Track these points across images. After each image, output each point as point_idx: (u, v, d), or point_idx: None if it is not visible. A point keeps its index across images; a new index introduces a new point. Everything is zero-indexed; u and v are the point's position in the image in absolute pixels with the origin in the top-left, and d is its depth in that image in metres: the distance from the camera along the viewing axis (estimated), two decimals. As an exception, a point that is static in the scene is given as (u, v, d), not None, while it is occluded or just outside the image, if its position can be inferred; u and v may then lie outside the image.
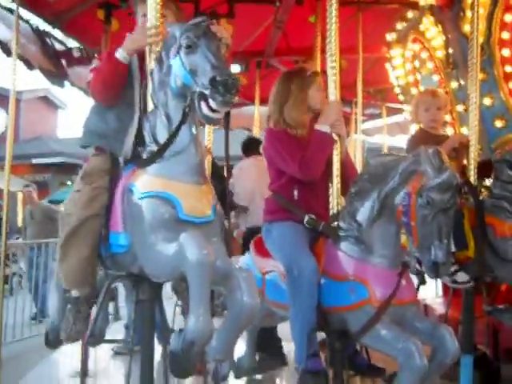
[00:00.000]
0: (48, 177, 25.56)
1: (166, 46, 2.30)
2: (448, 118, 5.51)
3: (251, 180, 5.56)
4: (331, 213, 2.98)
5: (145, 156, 2.40)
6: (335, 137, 2.99)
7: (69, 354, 4.87)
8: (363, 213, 2.65)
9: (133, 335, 2.68)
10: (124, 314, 6.20)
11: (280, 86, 3.17)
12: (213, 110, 2.08)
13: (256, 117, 8.08)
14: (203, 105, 2.09)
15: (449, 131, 5.62)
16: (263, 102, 7.50)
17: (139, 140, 2.49)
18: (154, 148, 2.35)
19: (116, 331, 4.94)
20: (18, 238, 13.37)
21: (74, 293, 2.51)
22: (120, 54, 2.53)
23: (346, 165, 3.06)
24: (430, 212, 2.39)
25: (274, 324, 3.46)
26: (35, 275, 7.66)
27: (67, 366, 4.94)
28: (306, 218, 2.92)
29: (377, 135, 11.19)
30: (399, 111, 8.47)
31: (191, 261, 2.05)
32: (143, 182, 2.34)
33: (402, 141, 11.11)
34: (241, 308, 2.22)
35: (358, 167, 7.29)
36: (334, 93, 3.08)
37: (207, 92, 2.05)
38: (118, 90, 2.56)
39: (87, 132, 2.68)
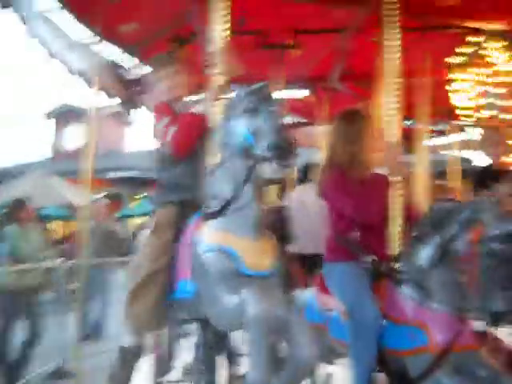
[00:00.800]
0: (121, 190, 26.55)
1: (232, 107, 2.45)
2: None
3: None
4: (391, 254, 3.01)
5: (210, 210, 2.56)
6: (396, 178, 3.03)
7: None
8: (424, 257, 2.68)
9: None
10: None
11: (334, 129, 3.22)
12: (273, 172, 2.21)
13: (323, 135, 8.15)
14: (264, 166, 2.23)
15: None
16: (330, 121, 7.60)
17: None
18: (219, 203, 2.50)
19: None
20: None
21: (127, 341, 2.71)
22: (199, 109, 2.81)
23: (409, 207, 3.09)
24: (491, 262, 2.39)
25: (332, 359, 3.50)
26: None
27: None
28: (368, 259, 2.96)
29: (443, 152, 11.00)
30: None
31: (251, 315, 2.18)
32: (207, 236, 2.50)
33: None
34: (299, 360, 2.32)
35: (421, 182, 7.26)
36: (394, 134, 3.14)
37: (267, 155, 2.19)
38: (196, 142, 2.80)
39: (162, 189, 2.88)
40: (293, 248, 6.43)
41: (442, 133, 10.29)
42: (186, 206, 2.77)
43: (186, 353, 4.83)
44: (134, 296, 2.67)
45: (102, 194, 10.48)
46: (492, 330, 3.24)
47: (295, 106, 8.40)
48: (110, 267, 8.02)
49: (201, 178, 2.74)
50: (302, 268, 5.50)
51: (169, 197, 2.84)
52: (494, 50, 5.30)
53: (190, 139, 2.75)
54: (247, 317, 2.21)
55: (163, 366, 2.91)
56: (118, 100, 6.76)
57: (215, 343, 2.66)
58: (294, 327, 2.37)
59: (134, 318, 2.68)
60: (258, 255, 2.44)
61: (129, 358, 2.74)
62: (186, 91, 3.02)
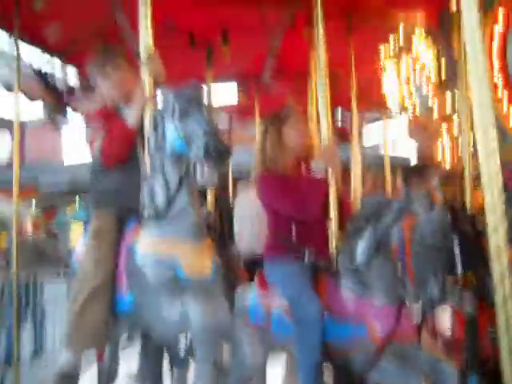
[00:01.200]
0: (54, 200, 25.72)
1: (160, 112, 2.40)
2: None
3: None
4: (331, 250, 3.05)
5: (145, 217, 2.50)
6: (331, 175, 3.07)
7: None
8: (360, 251, 2.74)
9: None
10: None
11: (261, 133, 3.27)
12: (207, 175, 2.17)
13: (257, 134, 8.20)
14: (198, 170, 2.18)
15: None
16: (263, 118, 7.66)
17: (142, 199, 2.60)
18: (154, 210, 2.44)
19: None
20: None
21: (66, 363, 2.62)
22: (128, 115, 2.74)
23: (343, 202, 3.14)
24: (423, 249, 2.47)
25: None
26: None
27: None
28: (307, 255, 2.99)
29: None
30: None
31: (194, 324, 2.15)
32: (144, 244, 2.45)
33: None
34: (244, 365, 2.31)
35: (358, 177, 7.45)
36: (326, 128, 3.17)
37: (201, 159, 2.14)
38: (128, 151, 2.73)
39: (97, 196, 2.80)
40: (236, 249, 6.46)
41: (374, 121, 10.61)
42: (122, 214, 2.69)
43: (130, 362, 4.77)
44: (79, 313, 2.57)
45: (33, 205, 10.17)
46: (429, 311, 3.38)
47: (227, 106, 8.41)
48: (43, 280, 7.73)
49: (135, 185, 2.66)
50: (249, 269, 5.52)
51: (104, 205, 2.76)
52: (419, 44, 5.46)
53: (119, 149, 2.67)
54: (192, 325, 2.17)
55: (106, 376, 2.82)
56: (41, 104, 6.55)
57: (159, 353, 2.60)
58: (237, 331, 2.35)
59: (79, 336, 2.58)
60: (197, 260, 2.41)
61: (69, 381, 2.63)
62: (128, 92, 2.90)
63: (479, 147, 1.89)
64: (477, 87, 1.89)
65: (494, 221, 1.87)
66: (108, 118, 2.78)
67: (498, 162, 1.87)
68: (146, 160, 2.58)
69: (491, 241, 1.86)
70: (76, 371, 2.70)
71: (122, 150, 2.68)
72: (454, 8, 4.62)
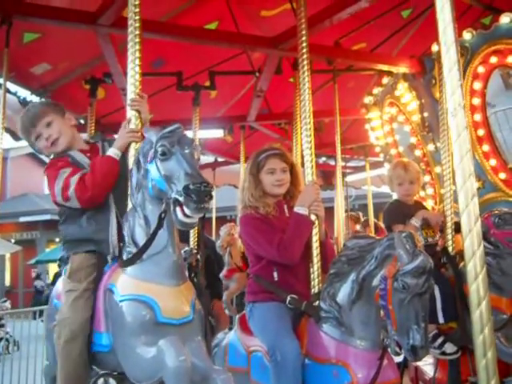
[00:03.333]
0: (36, 234, 25.46)
1: (143, 151, 2.39)
2: (427, 178, 5.68)
3: None
4: (312, 292, 3.02)
5: (124, 256, 2.47)
6: (313, 217, 3.07)
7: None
8: (343, 295, 2.71)
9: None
10: None
11: (244, 173, 3.28)
12: (187, 216, 2.15)
13: (242, 174, 8.26)
14: (178, 211, 2.15)
15: (429, 190, 5.79)
16: (248, 160, 7.72)
17: (120, 237, 2.58)
18: (133, 249, 2.42)
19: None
20: (5, 301, 13.23)
21: None
22: (112, 151, 2.69)
23: (325, 245, 3.13)
24: (406, 296, 2.44)
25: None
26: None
27: None
28: (288, 299, 2.94)
29: (363, 187, 11.44)
30: (382, 164, 8.68)
31: (169, 368, 2.10)
32: (122, 284, 2.41)
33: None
34: None
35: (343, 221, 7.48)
36: (310, 172, 3.19)
37: (181, 199, 2.12)
38: (111, 186, 2.70)
39: (70, 242, 2.77)
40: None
41: (359, 169, 10.72)
42: (98, 257, 2.66)
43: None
44: (67, 353, 2.52)
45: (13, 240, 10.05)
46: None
47: (213, 145, 8.48)
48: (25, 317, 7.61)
49: (111, 226, 2.66)
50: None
51: (81, 248, 2.72)
52: (402, 90, 5.58)
53: (101, 183, 2.64)
54: (165, 369, 2.12)
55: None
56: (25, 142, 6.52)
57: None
58: (214, 377, 2.29)
59: (63, 379, 2.51)
60: (176, 302, 2.36)
61: None
62: (70, 137, 2.87)
63: (460, 194, 1.92)
64: (456, 138, 1.95)
65: (473, 267, 1.88)
66: (70, 163, 2.77)
67: (477, 209, 1.90)
68: (128, 199, 2.56)
69: (471, 288, 1.87)
70: None
71: (105, 181, 2.65)
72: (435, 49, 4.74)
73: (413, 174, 3.94)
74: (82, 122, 6.75)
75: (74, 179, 2.63)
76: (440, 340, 3.48)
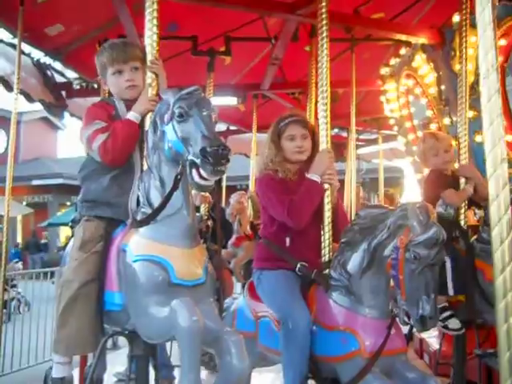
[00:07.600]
0: (48, 198, 25.67)
1: (160, 112, 2.36)
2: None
3: None
4: (323, 260, 3.02)
5: (138, 217, 2.46)
6: (326, 185, 3.05)
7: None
8: (353, 264, 2.71)
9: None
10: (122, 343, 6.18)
11: (267, 136, 3.25)
12: (204, 178, 2.14)
13: (253, 143, 8.25)
14: (194, 173, 2.14)
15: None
16: (260, 129, 7.70)
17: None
18: (148, 210, 2.41)
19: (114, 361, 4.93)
20: (17, 263, 13.43)
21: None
22: (132, 115, 2.66)
23: (338, 213, 3.11)
24: (417, 267, 2.44)
25: (266, 366, 3.50)
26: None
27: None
28: (298, 266, 2.95)
29: (373, 160, 11.36)
30: (394, 138, 8.61)
31: (182, 327, 2.12)
32: (136, 245, 2.40)
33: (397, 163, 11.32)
34: (230, 372, 2.27)
35: (354, 191, 7.45)
36: (325, 141, 3.15)
37: (198, 161, 2.11)
38: (132, 150, 2.67)
39: (87, 202, 2.73)
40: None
41: (371, 142, 10.64)
42: (111, 223, 2.64)
43: (119, 365, 4.73)
44: (66, 316, 2.52)
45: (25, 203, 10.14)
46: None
47: (226, 114, 8.43)
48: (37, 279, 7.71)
49: (131, 188, 2.62)
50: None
51: (97, 211, 2.69)
52: (420, 62, 5.48)
53: (122, 147, 2.61)
54: (178, 329, 2.13)
55: (93, 379, 2.77)
56: (39, 104, 6.52)
57: (146, 355, 2.55)
58: (225, 338, 2.31)
59: (68, 339, 2.52)
60: (189, 263, 2.36)
61: None
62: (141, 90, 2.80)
63: (488, 157, 1.87)
64: (487, 102, 1.88)
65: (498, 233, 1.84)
66: (110, 115, 2.73)
67: (506, 174, 1.86)
68: (144, 161, 2.54)
69: (495, 254, 1.84)
70: (68, 377, 2.66)
71: (126, 146, 2.62)
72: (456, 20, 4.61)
73: (445, 141, 3.82)
74: (96, 86, 6.76)
75: (101, 138, 2.60)
76: (446, 314, 3.48)
